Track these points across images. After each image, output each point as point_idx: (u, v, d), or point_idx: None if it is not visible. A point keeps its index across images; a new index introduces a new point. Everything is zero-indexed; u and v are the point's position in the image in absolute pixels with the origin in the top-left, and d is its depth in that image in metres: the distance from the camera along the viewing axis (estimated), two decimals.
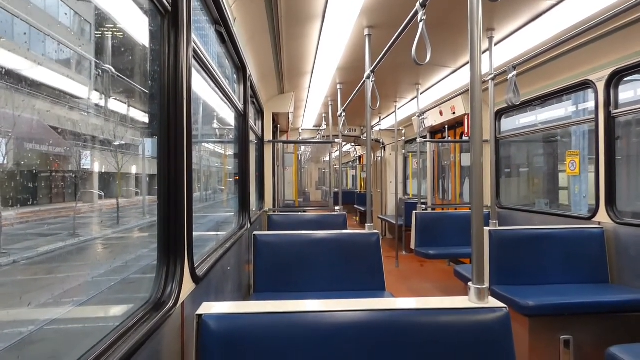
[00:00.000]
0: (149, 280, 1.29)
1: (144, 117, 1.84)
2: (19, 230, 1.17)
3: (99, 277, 1.47)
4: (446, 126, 6.03)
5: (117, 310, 1.33)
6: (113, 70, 1.46)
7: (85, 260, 1.58)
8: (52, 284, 1.18)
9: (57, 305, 1.13)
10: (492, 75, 3.49)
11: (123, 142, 1.82)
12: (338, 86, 4.95)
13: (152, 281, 1.27)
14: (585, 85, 3.25)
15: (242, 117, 3.20)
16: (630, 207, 3.19)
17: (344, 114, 4.71)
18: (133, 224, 2.15)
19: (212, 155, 4.28)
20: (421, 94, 5.29)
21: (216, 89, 2.35)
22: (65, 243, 1.42)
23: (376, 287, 2.69)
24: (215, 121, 3.46)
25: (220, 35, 2.38)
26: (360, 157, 13.25)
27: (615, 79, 2.98)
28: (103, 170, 1.68)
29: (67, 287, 1.24)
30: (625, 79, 3.01)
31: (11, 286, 1.08)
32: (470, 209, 1.43)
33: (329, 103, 6.08)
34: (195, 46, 1.56)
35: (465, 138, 5.51)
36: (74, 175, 1.41)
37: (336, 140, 5.28)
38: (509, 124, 4.71)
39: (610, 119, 3.02)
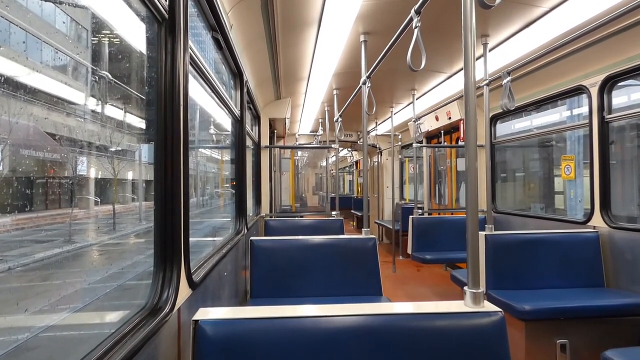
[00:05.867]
0: (145, 286, 1.29)
1: (140, 123, 1.85)
2: (14, 237, 1.17)
3: (95, 283, 1.46)
4: (442, 131, 6.06)
5: (113, 317, 1.33)
6: (110, 76, 1.47)
7: (81, 266, 1.58)
8: (48, 291, 1.17)
9: (53, 312, 1.13)
10: (487, 81, 3.51)
11: (119, 148, 1.83)
12: (334, 92, 4.98)
13: (148, 287, 1.27)
14: (579, 90, 3.28)
15: (238, 122, 3.21)
16: (625, 211, 3.21)
17: (340, 119, 4.72)
18: (129, 229, 2.14)
19: (208, 161, 4.29)
20: (417, 99, 5.32)
21: (213, 95, 2.36)
22: (62, 249, 1.42)
23: (373, 292, 2.68)
24: (212, 127, 3.47)
25: (216, 41, 2.39)
26: (356, 162, 13.28)
27: (609, 84, 3.01)
28: (99, 177, 1.68)
29: (63, 294, 1.24)
30: (619, 84, 3.05)
31: (7, 293, 1.08)
32: (466, 213, 1.44)
33: (326, 108, 6.10)
34: (192, 53, 1.57)
35: (461, 143, 5.54)
36: (70, 182, 1.41)
37: (333, 146, 5.30)
38: (504, 129, 4.74)
39: (604, 124, 3.05)
